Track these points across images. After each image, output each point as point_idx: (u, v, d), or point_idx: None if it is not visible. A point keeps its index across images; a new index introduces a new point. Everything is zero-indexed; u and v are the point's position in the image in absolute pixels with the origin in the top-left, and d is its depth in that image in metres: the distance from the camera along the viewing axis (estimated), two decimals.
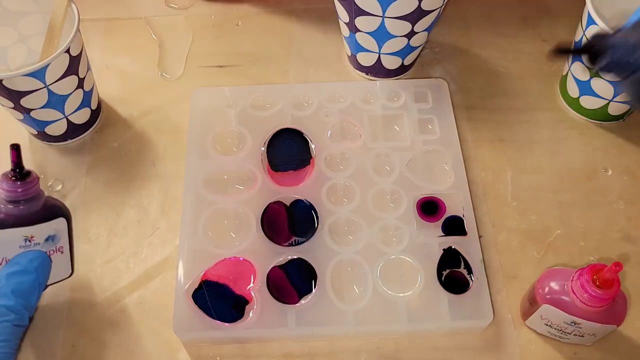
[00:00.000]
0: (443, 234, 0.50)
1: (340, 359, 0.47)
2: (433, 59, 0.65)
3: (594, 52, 0.41)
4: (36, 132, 0.56)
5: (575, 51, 0.45)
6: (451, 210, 0.52)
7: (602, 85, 0.55)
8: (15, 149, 0.41)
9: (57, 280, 0.46)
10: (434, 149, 0.55)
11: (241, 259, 0.49)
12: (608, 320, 0.41)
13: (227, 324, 0.46)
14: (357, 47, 0.59)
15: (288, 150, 0.55)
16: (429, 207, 0.52)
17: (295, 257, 0.49)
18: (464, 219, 0.51)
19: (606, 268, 0.39)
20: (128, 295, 0.50)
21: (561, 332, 0.44)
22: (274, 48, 0.65)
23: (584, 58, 0.42)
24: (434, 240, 0.50)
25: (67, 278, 0.47)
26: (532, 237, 0.52)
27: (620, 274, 0.50)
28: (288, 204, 0.52)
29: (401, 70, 0.62)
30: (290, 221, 0.51)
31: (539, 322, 0.45)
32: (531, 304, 0.45)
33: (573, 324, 0.42)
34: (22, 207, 0.42)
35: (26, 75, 0.48)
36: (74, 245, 0.46)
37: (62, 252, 0.45)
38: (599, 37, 0.42)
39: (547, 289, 0.43)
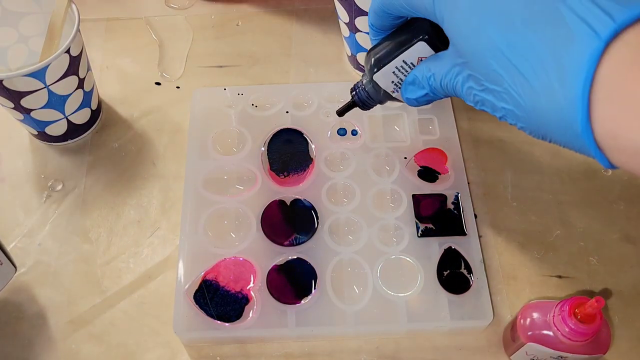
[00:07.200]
0: (436, 229, 0.50)
1: (340, 358, 0.47)
2: None
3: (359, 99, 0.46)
4: (36, 133, 0.56)
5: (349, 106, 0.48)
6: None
7: None
8: None
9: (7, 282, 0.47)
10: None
11: (241, 259, 0.49)
12: (594, 351, 0.41)
13: (227, 324, 0.46)
14: (357, 47, 0.59)
15: (288, 150, 0.55)
16: (427, 206, 0.52)
17: (295, 257, 0.49)
18: (461, 215, 0.51)
19: (587, 303, 0.38)
20: (128, 295, 0.50)
21: None
22: (274, 48, 0.65)
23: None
24: (434, 240, 0.50)
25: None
26: (532, 238, 0.53)
27: (621, 275, 0.50)
28: (288, 204, 0.52)
29: None
30: (291, 221, 0.51)
31: (525, 358, 0.44)
32: (514, 340, 0.44)
33: (560, 357, 0.42)
34: None
35: (26, 75, 0.48)
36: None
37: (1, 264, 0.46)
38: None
39: (529, 324, 0.42)
